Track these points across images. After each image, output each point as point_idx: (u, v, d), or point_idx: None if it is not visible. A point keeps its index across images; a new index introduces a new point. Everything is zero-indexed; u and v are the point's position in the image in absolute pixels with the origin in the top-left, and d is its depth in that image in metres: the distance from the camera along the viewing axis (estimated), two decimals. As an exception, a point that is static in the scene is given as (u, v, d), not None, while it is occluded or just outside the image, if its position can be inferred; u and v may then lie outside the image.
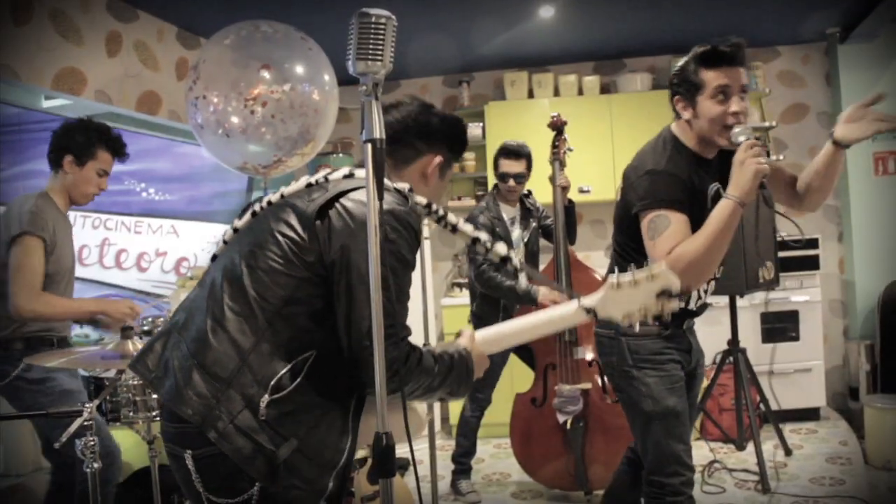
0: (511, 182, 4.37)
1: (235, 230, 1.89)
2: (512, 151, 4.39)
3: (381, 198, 1.56)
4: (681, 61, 2.53)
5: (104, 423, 3.14)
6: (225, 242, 1.90)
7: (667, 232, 2.33)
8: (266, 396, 1.65)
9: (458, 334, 2.02)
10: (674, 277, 1.88)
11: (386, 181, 1.79)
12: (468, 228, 2.03)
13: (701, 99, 2.43)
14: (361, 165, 1.80)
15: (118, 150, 3.30)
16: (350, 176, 1.82)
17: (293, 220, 1.75)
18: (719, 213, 2.27)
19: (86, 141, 3.20)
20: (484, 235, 2.05)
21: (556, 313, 2.02)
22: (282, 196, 1.84)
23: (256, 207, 1.88)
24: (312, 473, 1.70)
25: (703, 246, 2.27)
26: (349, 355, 1.68)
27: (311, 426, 1.70)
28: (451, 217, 2.00)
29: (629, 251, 2.58)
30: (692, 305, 2.65)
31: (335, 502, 1.79)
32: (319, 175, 1.85)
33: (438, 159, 1.96)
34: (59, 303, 3.08)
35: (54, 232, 3.09)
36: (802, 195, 2.73)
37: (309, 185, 1.83)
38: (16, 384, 3.01)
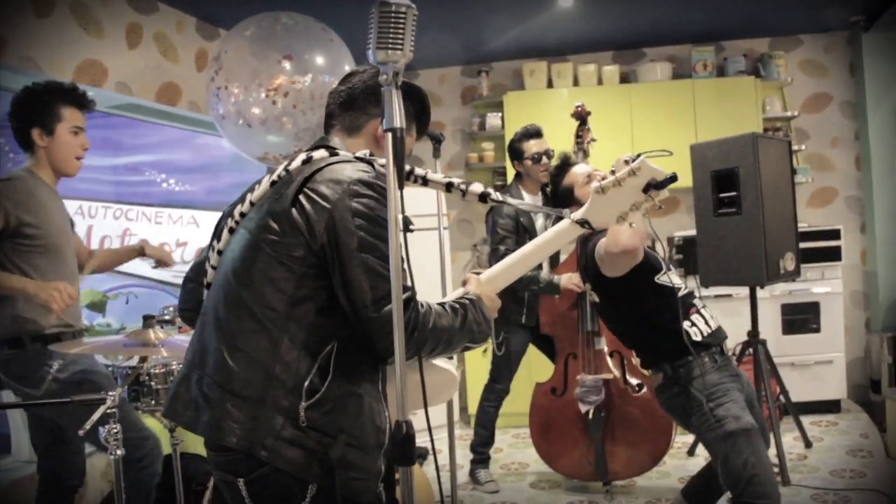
0: (545, 160, 4.37)
1: (219, 252, 1.85)
2: (536, 132, 4.42)
3: (401, 186, 1.55)
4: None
5: (138, 418, 3.11)
6: (213, 268, 1.86)
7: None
8: (303, 403, 1.65)
9: (464, 282, 1.98)
10: (656, 167, 1.90)
11: (345, 152, 1.82)
12: (438, 177, 1.98)
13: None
14: (316, 148, 1.84)
15: (81, 101, 3.03)
16: (308, 160, 1.79)
17: (272, 224, 1.72)
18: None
19: (44, 106, 2.94)
20: (457, 179, 1.99)
21: (550, 233, 1.98)
22: (251, 204, 1.81)
23: (231, 224, 1.84)
24: (365, 461, 1.71)
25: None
26: (360, 331, 1.67)
27: (352, 416, 1.70)
28: (419, 170, 1.97)
29: (638, 324, 2.86)
30: (707, 329, 2.82)
31: (388, 481, 1.80)
32: (279, 170, 1.81)
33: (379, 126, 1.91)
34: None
35: (31, 198, 2.89)
36: None
37: (273, 183, 1.79)
38: (52, 389, 2.86)
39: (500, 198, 2.00)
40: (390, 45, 1.55)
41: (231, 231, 1.83)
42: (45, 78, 3.72)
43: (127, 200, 4.92)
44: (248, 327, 1.69)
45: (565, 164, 3.26)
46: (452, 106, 6.67)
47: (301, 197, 1.71)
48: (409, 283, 1.64)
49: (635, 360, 4.14)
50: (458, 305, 1.81)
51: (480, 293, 1.90)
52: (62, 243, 3.04)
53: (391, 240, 1.55)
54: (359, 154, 1.82)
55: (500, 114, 6.23)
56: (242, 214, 1.82)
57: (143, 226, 4.96)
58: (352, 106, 1.93)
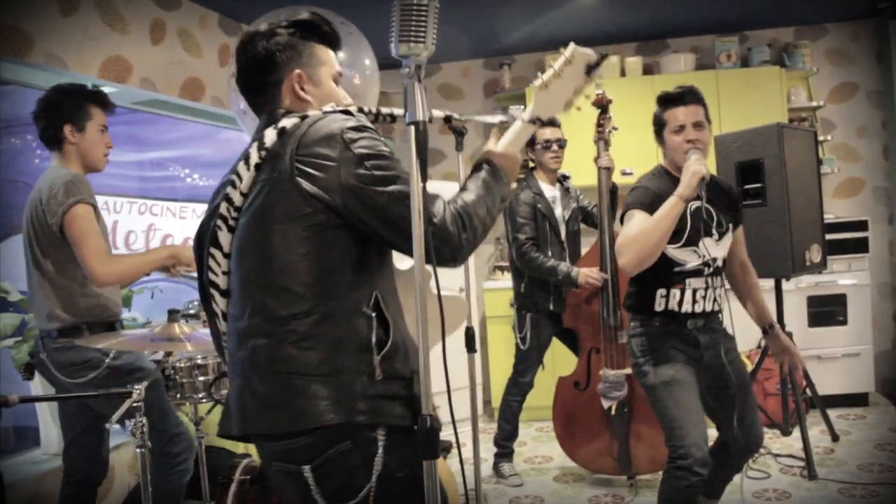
0: (555, 147, 4.35)
1: (227, 255, 1.80)
2: (551, 120, 4.38)
3: (424, 179, 1.55)
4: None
5: (175, 413, 3.15)
6: (225, 273, 1.81)
7: (632, 221, 2.93)
8: (376, 357, 1.67)
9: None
10: (587, 50, 1.96)
11: (292, 119, 1.74)
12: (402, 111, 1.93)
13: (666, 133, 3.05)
14: (276, 119, 1.78)
15: (104, 101, 3.15)
16: (282, 132, 1.73)
17: (279, 202, 1.68)
18: (666, 205, 2.82)
19: (75, 104, 3.05)
20: (438, 113, 1.98)
21: (510, 135, 1.95)
22: (242, 195, 1.75)
23: (230, 222, 1.78)
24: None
25: (650, 225, 2.84)
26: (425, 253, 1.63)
27: (414, 353, 1.74)
28: (384, 109, 1.97)
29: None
30: (686, 308, 3.00)
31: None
32: (254, 153, 1.74)
33: (297, 73, 1.86)
34: (130, 260, 3.02)
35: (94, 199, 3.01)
36: (730, 278, 3.26)
37: (258, 167, 1.73)
38: (103, 374, 2.93)
39: (464, 117, 2.06)
40: (412, 38, 1.55)
41: (231, 230, 1.78)
42: (71, 75, 3.77)
43: (151, 196, 4.96)
44: (295, 310, 1.67)
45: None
46: (475, 99, 6.65)
47: (301, 166, 1.66)
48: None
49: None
50: (481, 180, 1.81)
51: (500, 154, 1.89)
52: (107, 237, 3.14)
53: (414, 232, 1.55)
54: (326, 109, 1.79)
55: (522, 106, 6.17)
56: (238, 209, 1.76)
57: (167, 221, 5.00)
58: (262, 74, 1.86)
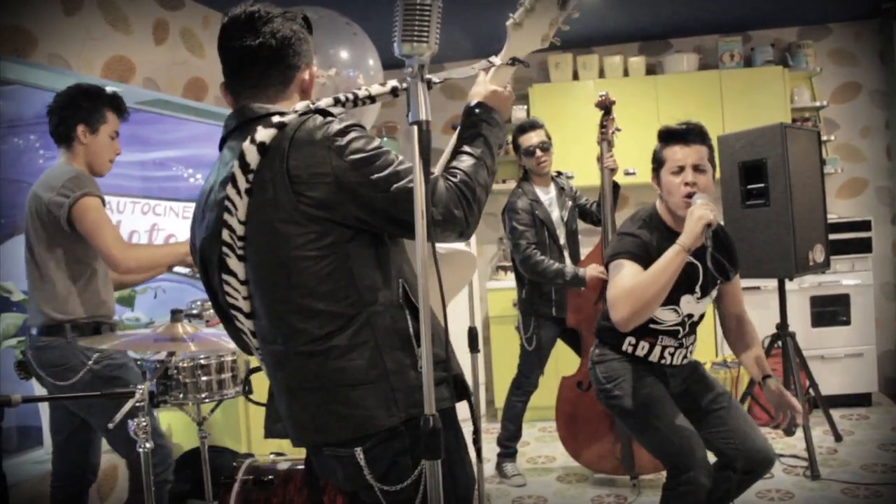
0: (539, 153, 4.34)
1: (244, 281, 1.75)
2: (529, 125, 4.41)
3: (426, 179, 1.54)
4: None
5: (157, 423, 3.16)
6: (246, 298, 1.76)
7: (623, 272, 2.69)
8: (418, 349, 1.67)
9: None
10: None
11: (269, 130, 1.66)
12: (380, 88, 1.92)
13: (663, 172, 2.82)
14: (252, 120, 1.73)
15: (121, 108, 3.15)
16: (263, 147, 1.64)
17: (284, 230, 1.64)
18: (666, 256, 2.60)
19: (93, 106, 3.06)
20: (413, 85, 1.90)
21: (488, 76, 1.88)
22: (244, 224, 1.69)
23: (237, 250, 1.71)
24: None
25: (648, 278, 2.60)
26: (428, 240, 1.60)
27: (439, 333, 1.74)
28: (361, 91, 1.91)
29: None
30: (653, 359, 2.87)
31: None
32: (240, 177, 1.66)
33: (313, 69, 1.87)
34: (151, 249, 3.01)
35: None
36: (725, 332, 3.06)
37: (249, 192, 1.66)
38: (84, 379, 2.92)
39: (443, 75, 1.89)
40: (415, 38, 1.55)
41: (241, 258, 1.72)
42: (74, 75, 3.78)
43: (154, 195, 4.97)
44: (332, 328, 1.67)
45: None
46: (477, 99, 6.63)
47: (297, 188, 1.61)
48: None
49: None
50: (473, 134, 1.77)
51: (490, 92, 1.84)
52: None
53: (417, 232, 1.54)
54: (298, 108, 1.73)
55: (525, 106, 6.21)
56: (242, 237, 1.70)
57: (170, 221, 5.00)
58: (276, 61, 1.79)
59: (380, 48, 4.04)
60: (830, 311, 5.54)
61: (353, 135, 1.65)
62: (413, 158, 1.55)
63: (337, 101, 1.85)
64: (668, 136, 2.80)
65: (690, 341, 2.93)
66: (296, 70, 1.83)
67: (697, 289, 2.83)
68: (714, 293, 2.92)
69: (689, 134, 2.76)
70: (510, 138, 4.52)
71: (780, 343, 4.55)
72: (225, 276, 1.76)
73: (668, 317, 2.83)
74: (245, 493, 3.02)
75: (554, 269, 4.15)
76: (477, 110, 1.81)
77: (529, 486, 4.46)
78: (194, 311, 3.87)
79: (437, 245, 1.61)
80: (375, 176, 1.62)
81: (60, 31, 3.73)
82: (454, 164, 1.73)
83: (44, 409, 3.83)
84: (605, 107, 4.22)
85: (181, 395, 3.08)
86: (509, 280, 5.89)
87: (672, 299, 2.74)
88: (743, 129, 4.55)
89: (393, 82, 1.93)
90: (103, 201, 2.97)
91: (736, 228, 4.51)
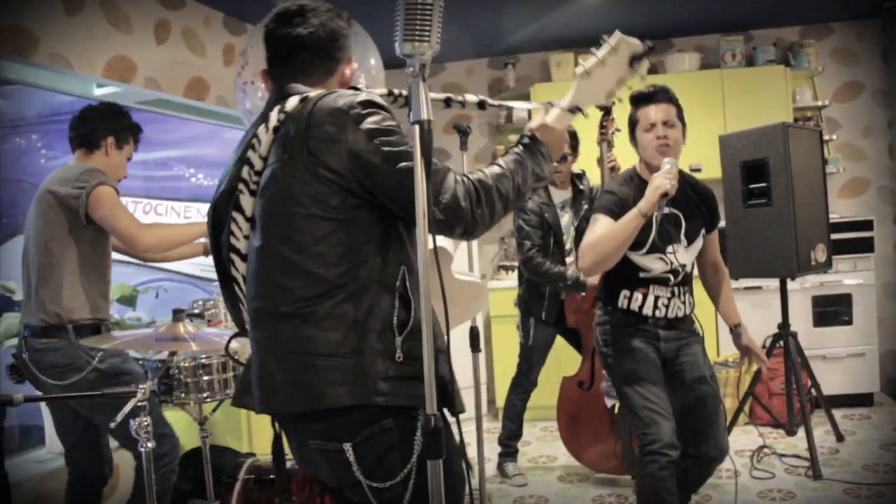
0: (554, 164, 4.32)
1: (249, 219, 1.80)
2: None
3: (428, 179, 1.55)
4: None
5: (163, 415, 3.17)
6: (246, 237, 1.81)
7: (596, 225, 2.94)
8: (398, 338, 1.67)
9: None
10: (632, 39, 1.94)
11: (293, 101, 1.74)
12: (436, 95, 1.97)
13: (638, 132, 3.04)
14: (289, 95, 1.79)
15: (138, 139, 3.33)
16: (304, 98, 1.74)
17: (293, 184, 1.69)
18: (625, 217, 2.81)
19: (124, 126, 3.22)
20: (472, 97, 2.04)
21: (551, 120, 1.94)
22: (262, 159, 1.75)
23: (251, 185, 1.77)
24: (451, 367, 1.77)
25: (608, 234, 2.84)
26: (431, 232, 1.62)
27: (439, 334, 1.74)
28: (405, 90, 1.94)
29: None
30: (647, 312, 3.02)
31: None
32: (273, 116, 1.74)
33: (354, 65, 1.93)
34: (168, 227, 3.11)
35: None
36: (702, 278, 3.29)
37: (276, 130, 1.74)
38: (89, 378, 2.95)
39: (499, 103, 2.05)
40: (417, 37, 1.55)
41: (253, 193, 1.78)
42: (76, 75, 3.79)
43: (156, 195, 4.98)
44: (318, 291, 1.68)
45: None
46: (479, 98, 6.63)
47: (311, 145, 1.67)
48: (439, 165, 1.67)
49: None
50: (515, 155, 1.83)
51: (540, 126, 1.90)
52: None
53: (419, 233, 1.54)
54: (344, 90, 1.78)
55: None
56: (259, 173, 1.76)
57: (171, 220, 5.01)
58: (323, 52, 1.86)
59: (381, 48, 4.04)
60: (832, 310, 5.53)
61: (373, 109, 1.69)
62: (415, 158, 1.55)
63: (390, 94, 1.91)
64: (639, 99, 3.04)
65: (684, 292, 3.07)
66: (338, 63, 1.90)
67: (682, 237, 3.03)
68: (700, 241, 3.11)
69: (657, 94, 3.01)
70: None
71: (781, 343, 4.54)
72: (234, 214, 1.80)
73: (655, 265, 2.99)
74: (247, 493, 3.02)
75: (555, 273, 4.13)
76: (525, 139, 1.88)
77: (531, 486, 4.45)
78: (196, 311, 3.87)
79: (455, 274, 1.63)
80: (386, 149, 1.65)
81: (62, 31, 3.73)
82: (480, 167, 1.77)
83: (46, 408, 3.83)
84: (605, 107, 4.21)
85: (183, 395, 3.09)
86: (510, 280, 5.89)
87: (657, 248, 2.97)
88: (745, 128, 4.55)
89: (444, 94, 2.03)
90: (117, 191, 3.04)
91: (737, 228, 4.52)
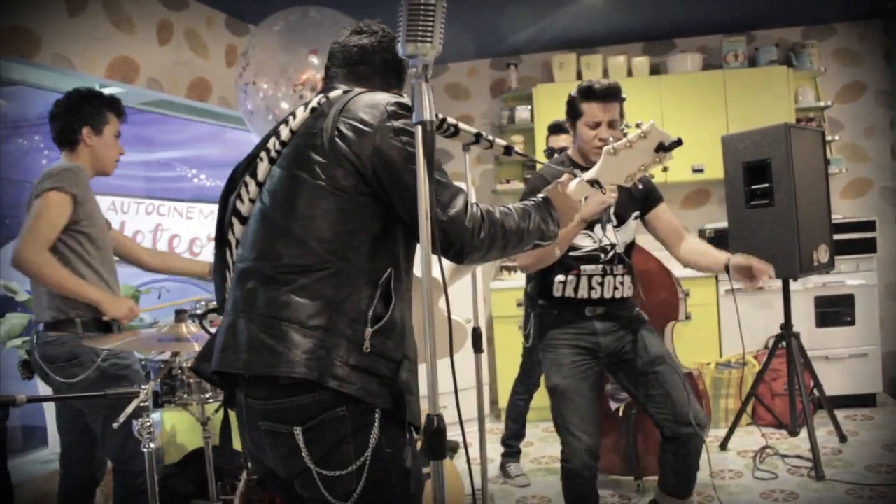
0: (555, 156, 4.34)
1: (259, 184, 1.84)
2: (555, 126, 4.44)
3: (431, 179, 1.55)
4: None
5: None
6: (251, 201, 1.85)
7: None
8: (368, 329, 1.67)
9: None
10: (663, 130, 2.01)
11: (336, 91, 1.83)
12: (468, 127, 2.09)
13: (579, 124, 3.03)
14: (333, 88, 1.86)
15: (120, 110, 3.23)
16: (348, 90, 1.82)
17: (313, 156, 1.73)
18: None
19: (95, 109, 3.14)
20: (500, 142, 2.12)
21: (568, 189, 2.02)
22: (291, 132, 1.81)
23: (272, 153, 1.83)
24: (417, 384, 1.77)
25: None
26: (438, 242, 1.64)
27: (410, 340, 1.76)
28: (450, 119, 2.05)
29: None
30: (582, 294, 3.02)
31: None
32: (315, 99, 1.83)
33: (396, 92, 1.94)
34: (61, 272, 2.90)
35: (87, 190, 3.02)
36: (678, 256, 3.17)
37: (314, 110, 1.81)
38: (92, 376, 2.94)
39: (524, 152, 2.15)
40: (419, 38, 1.55)
41: (272, 161, 1.83)
42: (78, 76, 3.79)
43: (158, 196, 4.98)
44: (304, 262, 1.69)
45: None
46: (482, 99, 6.65)
47: (341, 126, 1.72)
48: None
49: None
50: (524, 205, 1.88)
51: (552, 194, 1.97)
52: (106, 239, 3.17)
53: (421, 221, 1.55)
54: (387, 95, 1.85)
55: (529, 107, 6.21)
56: (283, 143, 1.82)
57: (174, 221, 5.01)
58: (383, 72, 1.97)
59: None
60: (835, 311, 5.52)
61: (410, 112, 1.71)
62: (416, 158, 1.56)
63: (442, 122, 2.01)
64: (589, 95, 2.98)
65: (620, 271, 3.05)
66: (388, 87, 1.96)
67: (612, 216, 3.03)
68: (633, 222, 3.10)
69: (610, 94, 2.96)
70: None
71: (784, 343, 4.54)
72: (247, 178, 1.87)
73: (584, 242, 3.01)
74: (249, 493, 3.02)
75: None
76: (539, 198, 1.95)
77: (533, 487, 4.45)
78: (198, 312, 3.86)
79: (442, 310, 1.64)
80: (410, 149, 1.68)
81: (64, 32, 3.73)
82: (501, 208, 1.82)
83: (49, 408, 3.83)
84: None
85: (185, 395, 3.08)
86: (513, 280, 5.89)
87: (586, 226, 2.96)
88: (747, 129, 4.54)
89: (479, 131, 2.15)
90: (75, 199, 2.94)
91: (740, 229, 4.51)
